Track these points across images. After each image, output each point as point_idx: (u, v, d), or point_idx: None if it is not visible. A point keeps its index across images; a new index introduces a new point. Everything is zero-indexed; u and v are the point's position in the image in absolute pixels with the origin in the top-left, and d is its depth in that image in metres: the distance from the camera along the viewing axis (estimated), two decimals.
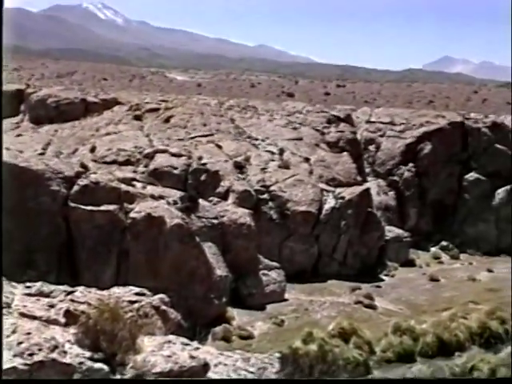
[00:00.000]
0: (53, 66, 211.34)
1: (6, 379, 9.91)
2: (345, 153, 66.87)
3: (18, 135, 65.54)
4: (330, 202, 56.66)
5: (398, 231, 63.90)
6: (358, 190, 59.60)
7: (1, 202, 17.92)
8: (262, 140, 65.38)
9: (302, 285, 50.58)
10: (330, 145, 68.09)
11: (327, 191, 57.79)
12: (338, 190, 58.51)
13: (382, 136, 75.54)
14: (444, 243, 68.37)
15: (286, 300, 47.83)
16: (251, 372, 14.51)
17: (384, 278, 55.98)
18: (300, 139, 67.00)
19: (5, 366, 12.21)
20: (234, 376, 14.13)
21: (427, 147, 73.68)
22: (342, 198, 57.34)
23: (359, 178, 64.30)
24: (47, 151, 58.47)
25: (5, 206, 43.11)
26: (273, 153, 62.82)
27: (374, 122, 78.63)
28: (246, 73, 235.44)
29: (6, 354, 12.54)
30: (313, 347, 28.77)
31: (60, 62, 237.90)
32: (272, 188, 56.50)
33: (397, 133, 75.78)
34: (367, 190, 61.26)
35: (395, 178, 72.03)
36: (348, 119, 75.34)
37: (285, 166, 60.36)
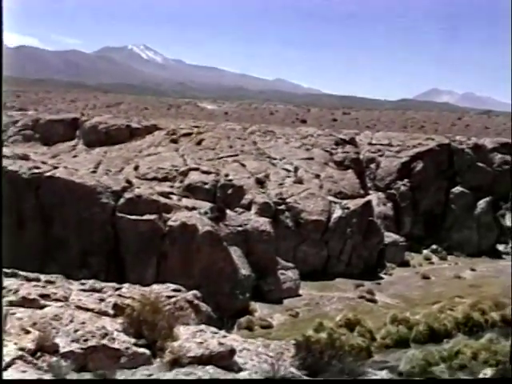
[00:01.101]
0: (103, 98, 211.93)
1: (6, 379, 9.82)
2: (350, 170, 66.80)
3: (74, 156, 65.77)
4: (337, 212, 56.60)
5: (395, 236, 63.77)
6: (361, 201, 59.55)
7: (1, 202, 17.74)
8: (280, 159, 65.38)
9: (313, 282, 50.47)
10: (337, 163, 68.03)
11: (335, 203, 57.72)
12: (344, 201, 58.43)
13: (381, 156, 75.52)
14: (434, 246, 68.26)
15: (300, 295, 47.77)
16: (271, 356, 14.49)
17: (383, 276, 55.90)
18: (312, 159, 66.97)
19: (63, 349, 12.28)
20: (256, 359, 14.12)
21: (419, 165, 73.68)
22: (348, 208, 57.29)
23: (362, 192, 64.20)
24: (98, 169, 58.63)
25: (63, 216, 43.38)
26: (289, 170, 62.83)
27: (374, 144, 78.63)
28: (265, 103, 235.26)
29: (64, 340, 12.60)
30: (323, 335, 28.67)
31: (109, 95, 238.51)
32: (288, 200, 56.47)
33: (394, 153, 75.77)
34: (369, 202, 61.23)
35: (392, 191, 71.99)
36: (352, 141, 75.26)
37: (299, 181, 60.37)
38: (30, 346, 11.94)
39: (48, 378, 10.92)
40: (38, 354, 11.84)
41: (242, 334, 32.25)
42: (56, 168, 47.23)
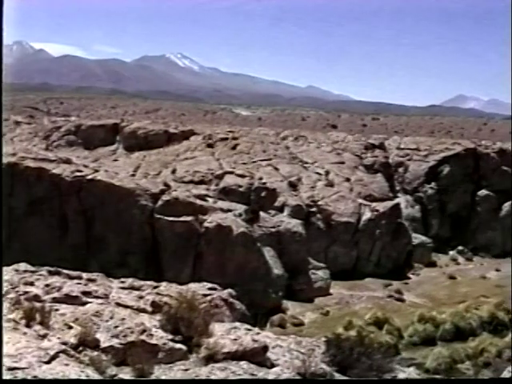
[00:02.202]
0: (142, 105, 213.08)
1: (6, 379, 9.82)
2: (379, 174, 66.57)
3: (114, 160, 66.12)
4: (366, 214, 56.42)
5: (422, 238, 63.32)
6: (389, 204, 59.31)
7: (1, 203, 17.83)
8: (311, 163, 65.30)
9: (343, 282, 50.35)
10: (367, 167, 67.85)
11: (364, 205, 57.53)
12: (374, 204, 58.21)
13: (409, 160, 75.00)
14: (460, 248, 67.67)
15: (330, 294, 47.70)
16: (302, 353, 14.46)
17: (411, 276, 55.58)
18: (342, 163, 66.82)
19: (103, 344, 12.35)
20: (288, 356, 14.10)
21: (446, 169, 73.10)
22: (377, 210, 57.07)
23: (391, 195, 63.97)
24: (137, 173, 58.86)
25: (103, 217, 43.69)
26: (320, 174, 62.72)
27: (402, 149, 78.07)
28: (297, 109, 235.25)
29: (105, 335, 12.67)
30: (352, 333, 28.67)
31: (148, 102, 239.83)
32: (319, 203, 56.39)
33: (421, 157, 75.22)
34: (397, 205, 60.99)
35: (420, 194, 71.47)
36: (381, 146, 74.99)
37: (330, 184, 60.24)
38: (73, 340, 12.03)
39: (89, 371, 10.99)
40: (80, 348, 11.92)
41: (274, 331, 32.25)
42: (97, 171, 47.59)
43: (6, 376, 9.95)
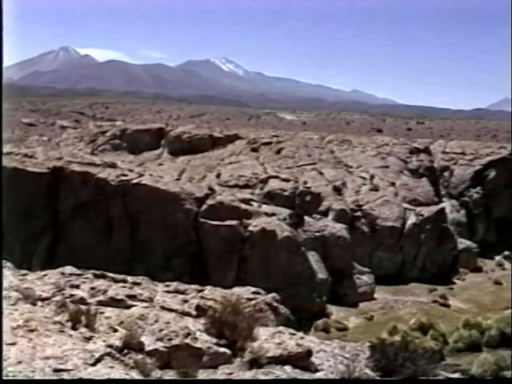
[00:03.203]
0: (187, 109, 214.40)
1: (6, 379, 9.83)
2: (424, 178, 66.10)
3: (159, 164, 66.48)
4: (411, 219, 56.07)
5: (468, 243, 62.72)
6: (435, 208, 58.85)
7: (1, 203, 17.97)
8: (356, 168, 65.08)
9: (388, 286, 50.05)
10: (412, 171, 67.44)
11: (409, 210, 57.17)
12: (419, 208, 57.80)
13: (454, 164, 74.40)
14: (506, 253, 66.84)
15: (375, 299, 47.46)
16: (346, 357, 14.41)
17: (456, 281, 55.03)
18: (387, 167, 66.48)
19: (148, 347, 12.41)
20: (332, 360, 14.05)
21: (492, 173, 72.36)
22: (422, 215, 56.67)
23: (436, 199, 63.47)
24: (182, 177, 59.13)
25: (148, 221, 43.92)
26: (365, 178, 62.47)
27: (448, 153, 77.48)
28: (342, 113, 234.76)
29: (149, 339, 12.73)
30: (397, 338, 28.45)
31: (192, 106, 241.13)
32: (364, 207, 56.15)
33: (467, 161, 74.58)
34: (443, 209, 60.49)
35: (466, 198, 70.83)
36: (426, 150, 74.51)
37: (375, 189, 59.97)
38: (118, 343, 12.11)
39: (134, 374, 11.05)
40: (125, 351, 11.99)
41: (318, 335, 32.17)
42: (142, 176, 47.90)
43: (52, 377, 10.04)
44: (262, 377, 12.07)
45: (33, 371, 10.11)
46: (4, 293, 14.85)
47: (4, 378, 9.82)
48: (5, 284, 16.19)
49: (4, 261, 20.38)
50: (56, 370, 10.26)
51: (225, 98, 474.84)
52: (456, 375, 16.79)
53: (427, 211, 57.54)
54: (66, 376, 10.18)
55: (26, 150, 61.53)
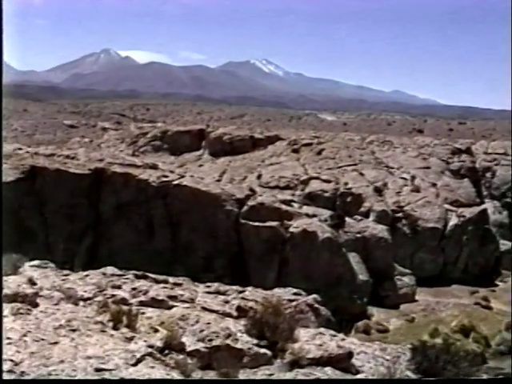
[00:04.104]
0: (227, 110, 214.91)
1: (6, 379, 9.84)
2: (466, 179, 65.53)
3: (200, 165, 66.77)
4: (453, 220, 55.65)
5: (510, 244, 62.09)
6: (476, 210, 58.31)
7: (1, 203, 17.95)
8: (397, 168, 64.75)
9: (429, 288, 49.71)
10: (454, 172, 66.91)
11: (451, 211, 56.74)
12: (460, 209, 57.34)
13: (497, 165, 73.66)
14: None
15: (416, 301, 47.16)
16: (387, 359, 14.34)
17: (499, 283, 54.46)
18: (428, 168, 66.03)
19: (189, 348, 12.46)
20: (373, 362, 14.00)
21: None
22: (464, 216, 56.21)
23: (478, 200, 62.86)
24: (223, 178, 59.32)
25: (189, 222, 44.07)
26: (406, 179, 62.13)
27: (490, 153, 76.74)
28: (383, 114, 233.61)
29: (190, 339, 12.79)
30: (438, 340, 28.30)
31: (233, 107, 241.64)
32: (405, 208, 55.85)
33: (510, 162, 73.80)
34: (485, 210, 59.87)
35: (508, 199, 70.03)
36: (468, 151, 73.87)
37: (416, 189, 59.62)
38: (159, 343, 12.18)
39: (175, 374, 11.10)
40: (166, 351, 12.06)
41: (359, 337, 32.07)
42: (183, 177, 48.08)
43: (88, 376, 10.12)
44: (303, 378, 12.07)
45: (74, 370, 10.21)
46: (46, 292, 15.02)
47: (4, 378, 9.88)
48: (47, 284, 16.36)
49: (46, 261, 20.58)
50: (98, 370, 10.35)
51: (265, 99, 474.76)
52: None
53: (469, 212, 57.05)
54: (107, 376, 10.26)
55: (67, 151, 62.09)
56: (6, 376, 10.01)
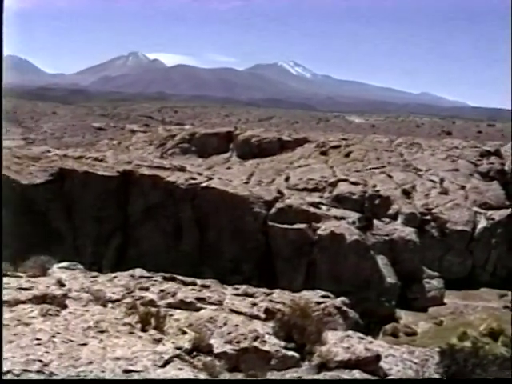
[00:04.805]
0: (255, 113, 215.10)
1: (6, 379, 9.84)
2: (495, 181, 65.01)
3: (228, 168, 66.83)
4: (482, 223, 55.29)
5: None
6: (506, 212, 57.83)
7: (1, 202, 17.89)
8: (426, 171, 64.41)
9: (458, 291, 49.40)
10: (482, 174, 66.42)
11: (480, 213, 56.36)
12: (489, 212, 56.94)
13: None
14: None
15: (444, 304, 46.90)
16: (415, 363, 14.28)
17: None
18: (457, 170, 65.63)
19: (217, 350, 12.49)
20: (401, 365, 13.94)
21: None
22: (493, 219, 55.82)
23: (507, 203, 62.29)
24: (251, 180, 59.33)
25: (217, 224, 44.14)
26: (434, 181, 61.79)
27: None
28: (411, 116, 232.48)
29: (218, 341, 12.82)
30: (467, 344, 28.06)
31: (260, 109, 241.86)
32: (434, 211, 55.57)
33: None
34: None
35: None
36: (497, 153, 73.26)
37: (444, 192, 59.29)
38: (187, 345, 12.21)
39: (203, 376, 11.13)
40: (194, 353, 12.09)
41: (387, 340, 31.92)
42: (211, 179, 48.17)
43: (119, 376, 10.16)
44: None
45: (103, 371, 10.27)
46: (75, 294, 15.11)
47: (4, 378, 9.92)
48: (76, 286, 16.47)
49: (75, 263, 20.72)
50: (126, 371, 10.40)
51: (293, 102, 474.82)
52: None
53: (498, 215, 56.65)
54: (136, 377, 10.31)
55: (96, 153, 62.50)
56: (34, 375, 10.09)
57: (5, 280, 15.61)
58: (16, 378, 9.94)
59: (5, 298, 13.66)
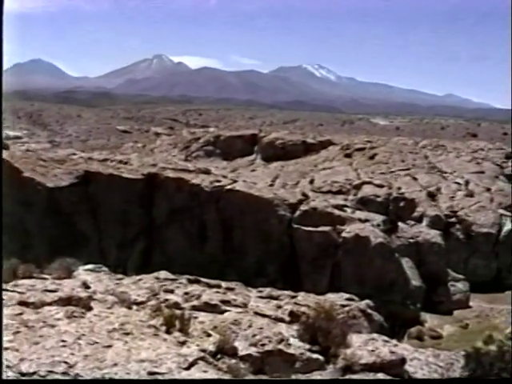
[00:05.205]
0: (279, 115, 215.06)
1: (6, 379, 9.83)
2: None
3: (252, 170, 66.86)
4: (507, 225, 54.90)
5: None
6: None
7: (1, 201, 18.05)
8: (451, 173, 64.12)
9: (483, 294, 49.07)
10: (508, 177, 65.99)
11: (505, 216, 55.96)
12: None
13: None
14: None
15: (470, 307, 46.59)
16: (440, 366, 14.22)
17: None
18: (482, 172, 65.28)
19: (241, 352, 12.49)
20: (426, 369, 13.89)
21: None
22: None
23: None
24: (275, 183, 59.31)
25: (242, 227, 44.15)
26: (459, 184, 61.50)
27: None
28: (436, 118, 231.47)
29: (243, 344, 12.82)
30: (492, 347, 27.85)
31: (285, 112, 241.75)
32: (459, 213, 55.27)
33: None
34: None
35: None
36: None
37: (470, 194, 58.98)
38: (211, 348, 12.24)
39: (227, 378, 11.14)
40: (218, 355, 12.11)
41: (412, 343, 31.79)
42: (235, 182, 48.20)
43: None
44: None
45: (128, 373, 10.30)
46: (100, 296, 15.18)
47: (4, 377, 9.94)
48: (101, 288, 16.55)
49: (100, 265, 20.83)
50: (151, 373, 10.43)
51: (317, 104, 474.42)
52: None
53: None
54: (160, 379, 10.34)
55: (121, 156, 62.79)
56: (59, 376, 10.15)
57: (30, 282, 15.74)
58: (21, 377, 10.01)
59: (30, 299, 13.78)
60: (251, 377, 11.70)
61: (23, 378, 10.08)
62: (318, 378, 12.33)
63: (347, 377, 12.28)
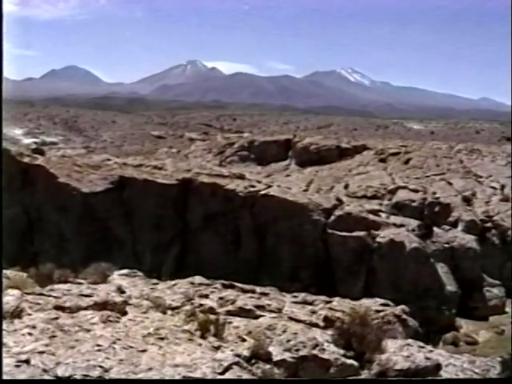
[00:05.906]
0: (314, 120, 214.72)
1: (6, 379, 9.80)
2: None
3: (287, 175, 66.78)
4: None
5: None
6: None
7: (1, 201, 17.85)
8: (486, 177, 63.58)
9: None
10: None
11: None
12: None
13: None
14: None
15: (506, 313, 46.15)
16: (476, 372, 14.10)
17: None
18: None
19: (276, 358, 12.47)
20: (461, 375, 13.78)
21: None
22: None
23: None
24: (310, 188, 59.16)
25: (276, 232, 44.12)
26: (495, 188, 60.95)
27: None
28: (471, 122, 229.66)
29: (277, 349, 12.81)
30: None
31: (319, 117, 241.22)
32: (495, 218, 54.76)
33: None
34: None
35: None
36: None
37: (505, 199, 58.40)
38: (246, 353, 12.23)
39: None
40: (253, 360, 12.10)
41: (447, 349, 31.56)
42: (270, 187, 48.20)
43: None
44: None
45: (162, 378, 10.32)
46: (135, 301, 15.24)
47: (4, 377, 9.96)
48: (136, 293, 16.61)
49: (134, 270, 20.92)
50: (185, 378, 10.44)
51: (351, 109, 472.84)
52: None
53: None
54: None
55: (155, 162, 62.94)
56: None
57: (66, 286, 15.85)
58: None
59: (66, 304, 13.88)
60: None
61: (22, 378, 10.13)
62: None
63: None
